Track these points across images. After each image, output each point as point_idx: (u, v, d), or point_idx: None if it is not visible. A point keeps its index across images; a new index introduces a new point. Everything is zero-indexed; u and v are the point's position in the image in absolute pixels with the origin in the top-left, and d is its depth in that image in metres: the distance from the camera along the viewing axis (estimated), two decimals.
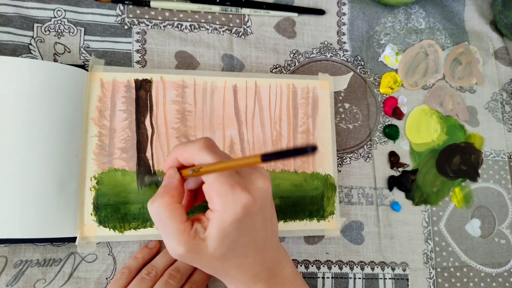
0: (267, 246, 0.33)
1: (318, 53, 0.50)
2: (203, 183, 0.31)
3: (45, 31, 0.44)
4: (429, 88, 0.52)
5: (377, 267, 0.46)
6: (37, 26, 0.44)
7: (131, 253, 0.41)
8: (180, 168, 0.33)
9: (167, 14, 0.48)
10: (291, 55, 0.50)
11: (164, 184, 0.32)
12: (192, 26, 0.48)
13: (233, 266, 0.32)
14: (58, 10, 0.45)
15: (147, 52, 0.46)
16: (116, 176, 0.42)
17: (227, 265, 0.31)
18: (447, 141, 0.51)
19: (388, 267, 0.46)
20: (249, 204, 0.29)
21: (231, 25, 0.49)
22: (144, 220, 0.41)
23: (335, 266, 0.45)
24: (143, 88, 0.44)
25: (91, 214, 0.41)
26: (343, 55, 0.51)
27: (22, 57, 0.43)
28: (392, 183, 0.48)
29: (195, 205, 0.36)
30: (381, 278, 0.46)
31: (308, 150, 0.22)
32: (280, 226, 0.44)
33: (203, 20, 0.48)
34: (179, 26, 0.48)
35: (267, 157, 0.24)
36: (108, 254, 0.41)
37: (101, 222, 0.41)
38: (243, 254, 0.31)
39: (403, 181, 0.48)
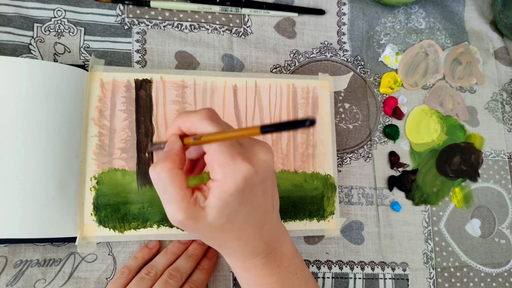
0: (267, 221, 0.33)
1: (318, 53, 0.50)
2: (204, 153, 0.31)
3: (45, 31, 0.44)
4: (429, 88, 0.52)
5: (377, 267, 0.46)
6: (37, 26, 0.44)
7: (131, 253, 0.42)
8: (182, 136, 0.32)
9: (167, 14, 0.48)
10: (291, 55, 0.50)
11: (165, 150, 0.32)
12: (192, 26, 0.48)
13: (232, 237, 0.32)
14: (58, 10, 0.45)
15: (147, 52, 0.46)
16: (116, 176, 0.42)
17: (225, 235, 0.31)
18: (447, 141, 0.51)
19: (388, 267, 0.46)
20: (250, 174, 0.29)
21: (231, 25, 0.49)
22: (144, 220, 0.41)
23: (335, 266, 0.45)
24: (143, 88, 0.44)
25: (91, 214, 0.41)
26: (343, 55, 0.51)
27: (22, 57, 0.43)
28: (392, 183, 0.48)
29: (192, 176, 0.36)
30: (381, 278, 0.46)
31: (307, 123, 0.22)
32: None
33: (203, 20, 0.48)
34: (179, 26, 0.48)
35: (266, 129, 0.24)
36: (108, 254, 0.41)
37: (101, 222, 0.41)
38: (242, 226, 0.31)
39: (403, 181, 0.48)
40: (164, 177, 0.29)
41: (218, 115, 0.31)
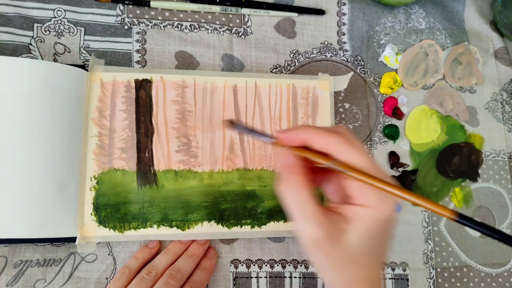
0: (380, 274, 0.30)
1: (318, 53, 0.50)
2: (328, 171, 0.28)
3: (45, 31, 0.44)
4: (429, 88, 0.52)
5: None
6: (37, 26, 0.44)
7: (131, 253, 0.41)
8: (299, 147, 0.29)
9: (167, 14, 0.48)
10: (291, 55, 0.50)
11: (283, 163, 0.29)
12: (192, 26, 0.48)
13: (362, 277, 0.28)
14: (58, 10, 0.45)
15: (147, 52, 0.46)
16: (116, 176, 0.42)
17: (359, 273, 0.28)
18: (447, 141, 0.51)
19: (388, 267, 0.46)
20: (396, 207, 0.27)
21: (231, 25, 0.49)
22: (144, 220, 0.41)
23: None
24: (143, 88, 0.44)
25: (91, 214, 0.41)
26: (343, 55, 0.51)
27: (22, 57, 0.43)
28: None
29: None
30: (381, 278, 0.46)
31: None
32: (280, 226, 0.44)
33: (203, 20, 0.48)
34: (179, 26, 0.48)
35: (462, 220, 0.23)
36: (108, 254, 0.41)
37: (101, 222, 0.41)
38: (376, 265, 0.29)
39: (403, 181, 0.48)
40: (302, 191, 0.27)
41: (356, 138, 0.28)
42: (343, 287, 0.29)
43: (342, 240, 0.26)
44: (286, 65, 0.49)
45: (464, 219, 0.23)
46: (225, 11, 0.49)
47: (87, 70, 0.43)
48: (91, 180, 0.41)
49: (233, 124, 0.33)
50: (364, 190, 0.27)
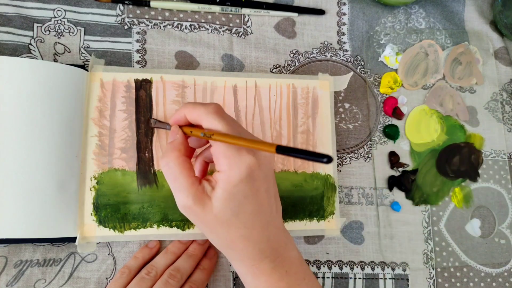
0: (271, 223, 0.33)
1: (318, 53, 0.50)
2: (203, 144, 0.33)
3: (45, 31, 0.44)
4: (429, 88, 0.52)
5: (377, 267, 0.46)
6: (37, 26, 0.44)
7: (131, 253, 0.42)
8: (186, 125, 0.34)
9: (167, 14, 0.48)
10: (291, 55, 0.50)
11: (170, 140, 0.34)
12: (192, 26, 0.48)
13: (239, 236, 0.32)
14: (58, 10, 0.45)
15: (147, 52, 0.46)
16: (116, 176, 0.42)
17: (232, 233, 0.32)
18: (447, 141, 0.51)
19: (388, 267, 0.46)
20: (254, 166, 0.30)
21: (231, 25, 0.49)
22: (144, 220, 0.41)
23: (335, 266, 0.45)
24: (143, 88, 0.44)
25: (91, 214, 0.41)
26: (343, 55, 0.51)
27: (22, 57, 0.43)
28: (392, 183, 0.48)
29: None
30: (381, 278, 0.46)
31: (324, 159, 0.23)
32: None
33: (203, 20, 0.48)
34: (179, 26, 0.48)
35: (282, 150, 0.25)
36: (108, 254, 0.41)
37: (101, 222, 0.41)
38: (248, 224, 0.32)
39: (403, 181, 0.48)
40: (173, 166, 0.31)
41: (225, 111, 0.33)
42: (227, 249, 0.34)
43: (208, 206, 0.30)
44: (286, 65, 0.49)
45: (281, 150, 0.26)
46: (225, 11, 0.49)
47: (87, 70, 0.43)
48: (91, 180, 0.41)
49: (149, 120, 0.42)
50: (218, 157, 0.31)
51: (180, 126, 0.35)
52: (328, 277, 0.45)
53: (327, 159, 0.23)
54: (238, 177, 0.30)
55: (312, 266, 0.45)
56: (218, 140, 0.30)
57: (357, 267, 0.46)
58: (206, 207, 0.30)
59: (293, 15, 0.51)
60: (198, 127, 0.34)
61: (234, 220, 0.31)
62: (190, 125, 0.35)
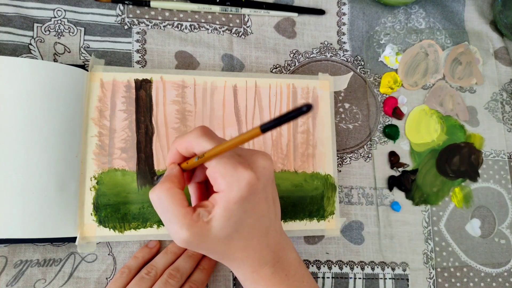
0: (271, 229, 0.33)
1: (318, 53, 0.50)
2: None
3: (45, 31, 0.44)
4: (429, 88, 0.52)
5: (377, 267, 0.46)
6: (37, 26, 0.44)
7: (131, 253, 0.41)
8: (184, 161, 0.33)
9: (167, 14, 0.48)
10: (291, 55, 0.50)
11: (164, 175, 0.32)
12: (192, 26, 0.48)
13: (239, 248, 0.32)
14: (58, 10, 0.45)
15: (147, 52, 0.46)
16: (116, 176, 0.42)
17: (232, 247, 0.31)
18: (447, 141, 0.51)
19: (388, 267, 0.46)
20: (252, 181, 0.29)
21: (231, 25, 0.49)
22: (144, 220, 0.41)
23: (335, 266, 0.45)
24: (143, 88, 0.44)
25: (91, 214, 0.41)
26: (343, 55, 0.51)
27: (22, 57, 0.43)
28: (392, 183, 0.48)
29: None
30: (381, 278, 0.46)
31: (304, 108, 0.22)
32: None
33: (203, 20, 0.48)
34: (179, 26, 0.48)
35: (265, 126, 0.24)
36: (108, 254, 0.41)
37: (101, 222, 0.41)
38: (248, 236, 0.31)
39: (403, 181, 0.48)
40: (163, 197, 0.30)
41: (212, 130, 0.32)
42: (226, 260, 0.33)
43: (206, 231, 0.29)
44: (286, 65, 0.49)
45: (265, 125, 0.24)
46: (225, 11, 0.49)
47: (87, 70, 0.43)
48: (91, 180, 0.41)
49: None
50: (216, 178, 0.29)
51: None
52: (328, 277, 0.45)
53: (307, 107, 0.22)
54: (239, 195, 0.29)
55: (312, 266, 0.45)
56: (211, 156, 0.29)
57: (357, 267, 0.46)
58: (204, 234, 0.29)
59: (293, 15, 0.51)
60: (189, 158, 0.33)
61: (234, 235, 0.31)
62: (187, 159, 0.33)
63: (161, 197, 0.30)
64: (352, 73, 0.49)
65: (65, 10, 0.45)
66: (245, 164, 0.30)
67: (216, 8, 0.48)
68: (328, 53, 0.51)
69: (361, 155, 0.49)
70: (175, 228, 0.29)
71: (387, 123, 0.50)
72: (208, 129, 0.32)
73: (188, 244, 0.30)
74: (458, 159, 0.50)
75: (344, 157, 0.48)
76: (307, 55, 0.50)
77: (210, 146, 0.30)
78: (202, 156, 0.30)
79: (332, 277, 0.45)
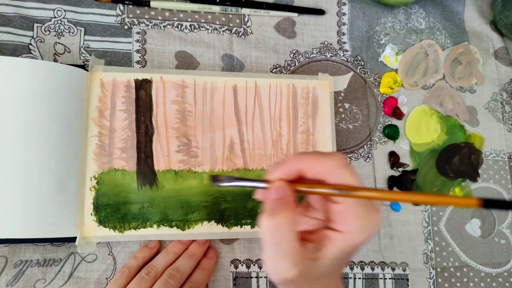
0: (339, 281, 0.32)
1: (318, 53, 0.50)
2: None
3: (45, 31, 0.44)
4: (429, 88, 0.52)
5: (377, 267, 0.46)
6: (37, 26, 0.44)
7: (131, 253, 0.42)
8: (292, 180, 0.28)
9: (167, 14, 0.48)
10: (291, 55, 0.50)
11: (277, 196, 0.27)
12: (192, 26, 0.48)
13: (320, 285, 0.29)
14: (58, 10, 0.45)
15: (147, 52, 0.46)
16: (116, 176, 0.42)
17: (315, 285, 0.28)
18: (447, 141, 0.51)
19: (388, 267, 0.46)
20: (380, 224, 0.27)
21: (231, 25, 0.49)
22: (144, 220, 0.41)
23: None
24: (143, 88, 0.44)
25: (91, 214, 0.41)
26: (343, 55, 0.51)
27: (22, 57, 0.43)
28: (392, 183, 0.48)
29: None
30: (381, 278, 0.46)
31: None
32: None
33: (203, 20, 0.48)
34: (179, 26, 0.48)
35: (488, 204, 0.22)
36: (108, 254, 0.41)
37: (101, 222, 0.41)
38: (332, 276, 0.30)
39: (403, 181, 0.48)
40: (286, 229, 0.25)
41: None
42: None
43: (311, 267, 0.26)
44: (286, 65, 0.49)
45: (488, 204, 0.22)
46: (225, 11, 0.49)
47: (87, 70, 0.43)
48: (91, 180, 0.41)
49: (217, 179, 0.31)
50: (347, 217, 0.26)
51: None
52: None
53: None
54: (365, 240, 0.26)
55: None
56: (364, 197, 0.26)
57: (357, 267, 0.46)
58: (305, 273, 0.26)
59: (293, 15, 0.51)
60: (308, 181, 0.28)
61: (329, 275, 0.28)
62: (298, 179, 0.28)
63: (283, 229, 0.25)
64: (352, 73, 0.49)
65: (65, 10, 0.45)
66: (378, 209, 0.27)
67: (216, 8, 0.48)
68: (328, 53, 0.51)
69: (361, 155, 0.49)
70: (284, 265, 0.25)
71: (387, 123, 0.50)
72: (345, 157, 0.29)
73: (287, 284, 0.27)
74: (458, 159, 0.50)
75: None
76: (307, 55, 0.50)
77: (353, 181, 0.26)
78: (348, 192, 0.26)
79: None
